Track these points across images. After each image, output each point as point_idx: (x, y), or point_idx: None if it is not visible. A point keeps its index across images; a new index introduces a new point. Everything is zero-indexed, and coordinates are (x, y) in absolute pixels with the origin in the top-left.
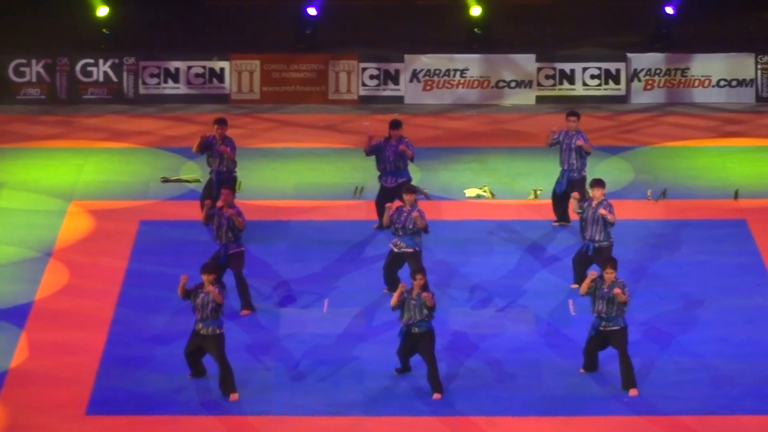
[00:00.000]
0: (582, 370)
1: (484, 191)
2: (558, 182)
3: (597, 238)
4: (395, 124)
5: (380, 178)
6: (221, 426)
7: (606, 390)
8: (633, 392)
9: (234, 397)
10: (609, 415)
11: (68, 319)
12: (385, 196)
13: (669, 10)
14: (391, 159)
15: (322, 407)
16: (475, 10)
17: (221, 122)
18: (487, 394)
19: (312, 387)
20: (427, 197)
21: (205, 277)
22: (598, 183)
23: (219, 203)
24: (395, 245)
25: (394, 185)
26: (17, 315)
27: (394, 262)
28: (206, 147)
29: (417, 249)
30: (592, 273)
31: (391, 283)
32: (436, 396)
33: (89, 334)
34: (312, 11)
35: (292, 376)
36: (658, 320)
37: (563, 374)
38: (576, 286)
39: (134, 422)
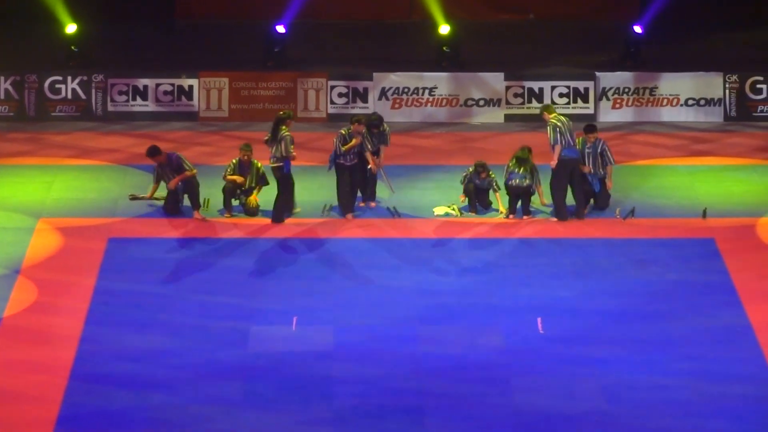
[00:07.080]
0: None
1: (453, 209)
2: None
3: (595, 171)
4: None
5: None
6: None
7: (577, 408)
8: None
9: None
10: None
11: (36, 337)
12: (344, 175)
13: (637, 29)
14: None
15: (291, 425)
16: (444, 29)
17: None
18: (458, 412)
19: (281, 405)
20: (397, 215)
21: None
22: (592, 128)
23: None
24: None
25: (352, 163)
26: None
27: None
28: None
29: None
30: None
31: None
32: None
33: (57, 351)
34: (281, 29)
35: (261, 394)
36: (626, 339)
37: (534, 392)
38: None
39: None
